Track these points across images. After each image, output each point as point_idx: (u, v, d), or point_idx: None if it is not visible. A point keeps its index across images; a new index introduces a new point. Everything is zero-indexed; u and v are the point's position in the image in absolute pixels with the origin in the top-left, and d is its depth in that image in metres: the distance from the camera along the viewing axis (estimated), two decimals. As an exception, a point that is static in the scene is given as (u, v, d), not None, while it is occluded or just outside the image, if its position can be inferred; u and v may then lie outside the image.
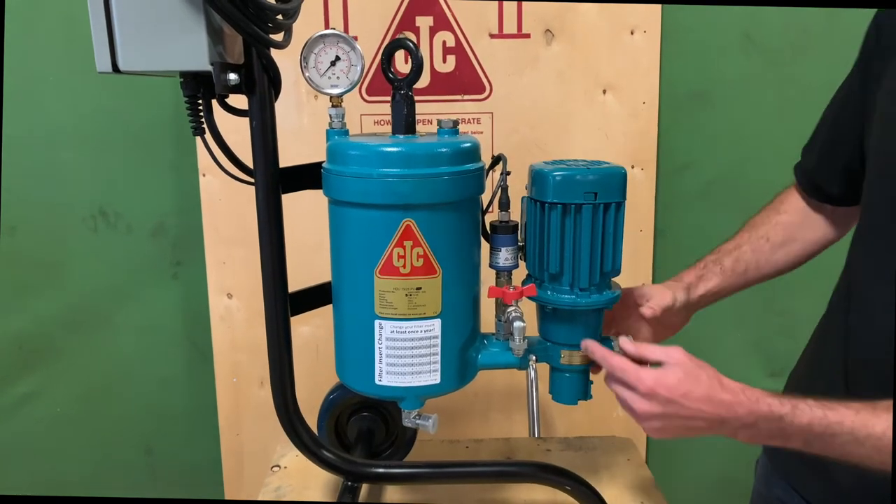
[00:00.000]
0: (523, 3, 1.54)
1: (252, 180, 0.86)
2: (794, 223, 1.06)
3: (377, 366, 0.88)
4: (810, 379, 1.01)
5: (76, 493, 1.84)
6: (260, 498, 1.13)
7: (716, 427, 0.80)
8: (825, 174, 1.02)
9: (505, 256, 0.93)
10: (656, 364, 0.84)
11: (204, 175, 1.59)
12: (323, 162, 0.88)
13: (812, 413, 0.76)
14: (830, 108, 1.02)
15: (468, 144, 0.86)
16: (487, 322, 0.97)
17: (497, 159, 0.94)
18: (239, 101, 0.84)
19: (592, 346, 0.90)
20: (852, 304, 0.91)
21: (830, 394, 0.80)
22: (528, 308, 0.94)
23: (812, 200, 1.05)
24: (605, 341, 0.94)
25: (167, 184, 1.68)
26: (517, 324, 0.89)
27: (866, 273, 0.89)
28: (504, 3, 1.54)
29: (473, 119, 1.59)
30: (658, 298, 0.99)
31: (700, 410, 0.79)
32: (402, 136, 0.87)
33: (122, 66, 0.75)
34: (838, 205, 1.02)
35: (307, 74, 0.85)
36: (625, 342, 0.89)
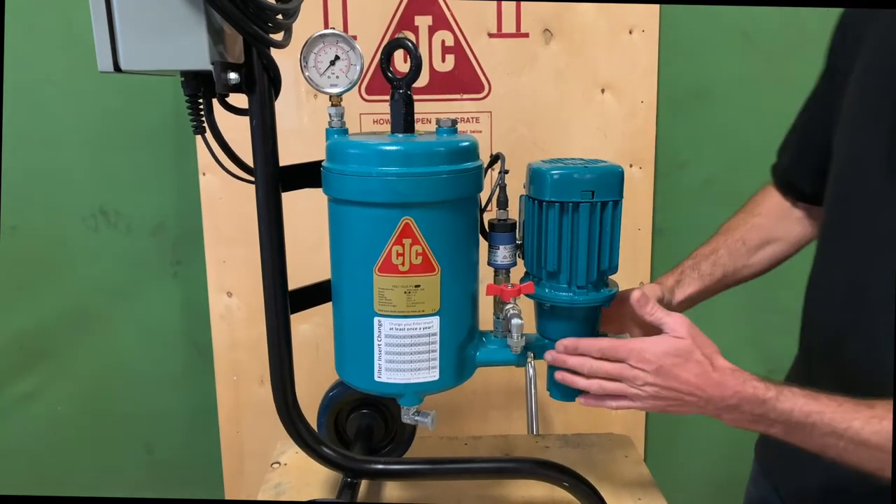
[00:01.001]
0: (522, 2, 1.54)
1: (252, 179, 0.87)
2: (769, 224, 1.07)
3: (376, 362, 0.88)
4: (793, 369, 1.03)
5: (76, 493, 1.84)
6: (260, 495, 1.14)
7: (702, 404, 0.81)
8: (798, 173, 1.04)
9: (503, 254, 0.93)
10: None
11: (204, 174, 1.60)
12: (322, 160, 0.89)
13: (795, 400, 0.76)
14: (804, 109, 1.04)
15: (467, 143, 0.87)
16: (486, 319, 0.98)
17: (495, 158, 0.95)
18: (239, 100, 0.85)
19: (571, 342, 0.90)
20: (808, 294, 0.95)
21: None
22: (527, 305, 0.94)
23: (788, 199, 1.07)
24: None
25: (167, 183, 1.68)
26: (515, 321, 0.90)
27: (822, 267, 0.91)
28: (503, 2, 1.55)
29: (472, 118, 1.60)
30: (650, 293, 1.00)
31: (688, 382, 0.81)
32: (401, 135, 0.88)
33: (123, 66, 0.75)
34: (812, 203, 1.03)
35: (307, 74, 0.86)
36: (638, 298, 0.89)
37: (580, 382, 0.89)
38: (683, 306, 1.06)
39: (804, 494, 0.94)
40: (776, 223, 1.07)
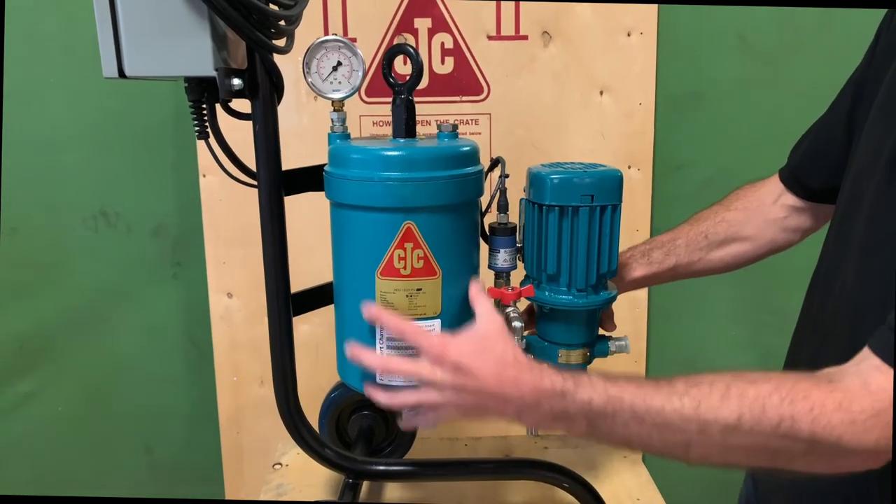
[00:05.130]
0: (520, 4, 1.55)
1: (255, 182, 0.88)
2: (740, 221, 1.04)
3: (378, 365, 0.89)
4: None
5: (76, 493, 1.85)
6: (261, 496, 1.14)
7: (501, 406, 0.72)
8: (809, 169, 1.02)
9: (503, 258, 0.94)
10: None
11: (204, 175, 1.60)
12: (324, 164, 0.90)
13: (593, 389, 0.69)
14: (830, 107, 1.01)
15: (467, 148, 0.88)
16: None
17: (496, 162, 0.95)
18: (242, 104, 0.86)
19: (376, 312, 0.83)
20: (807, 295, 0.94)
21: None
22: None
23: (792, 194, 1.03)
24: (602, 341, 0.95)
25: (167, 184, 1.69)
26: (515, 324, 0.91)
27: (830, 268, 0.91)
28: (501, 3, 1.55)
29: (471, 120, 1.61)
30: None
31: (485, 386, 0.72)
32: (402, 140, 0.89)
33: (128, 72, 0.76)
34: (818, 201, 1.01)
35: (309, 80, 0.86)
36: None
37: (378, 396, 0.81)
38: (628, 288, 1.04)
39: (775, 489, 0.94)
40: (748, 220, 1.03)
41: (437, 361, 0.74)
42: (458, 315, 0.91)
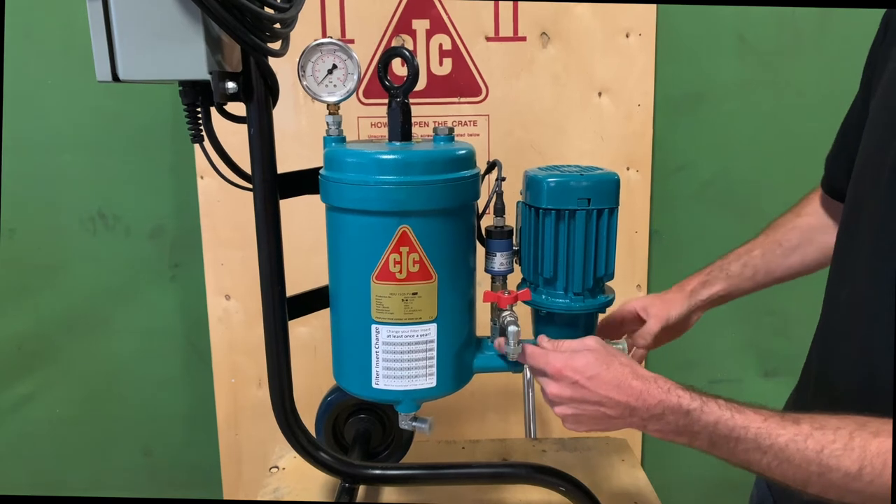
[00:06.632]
0: (519, 5, 1.55)
1: (250, 186, 0.87)
2: (811, 226, 1.05)
3: (374, 369, 0.89)
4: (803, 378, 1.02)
5: (75, 494, 1.85)
6: (258, 499, 1.14)
7: (626, 416, 0.78)
8: (835, 173, 1.01)
9: (500, 261, 0.94)
10: None
11: (202, 177, 1.60)
12: (320, 168, 0.89)
13: (720, 413, 0.74)
14: (848, 114, 1.01)
15: (463, 151, 0.87)
16: (483, 325, 0.98)
17: (492, 165, 0.95)
18: (237, 107, 0.85)
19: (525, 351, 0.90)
20: (826, 303, 0.92)
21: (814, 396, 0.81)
22: (524, 311, 0.95)
23: (831, 201, 1.04)
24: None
25: (165, 186, 1.69)
26: (511, 328, 0.90)
27: (837, 273, 0.90)
28: (499, 4, 1.55)
29: (470, 121, 1.61)
30: (654, 318, 1.02)
31: (608, 397, 0.78)
32: (398, 144, 0.88)
33: (121, 75, 0.76)
34: None
35: (304, 83, 0.86)
36: (542, 339, 0.90)
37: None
38: (709, 304, 1.06)
39: (791, 492, 0.94)
40: (819, 225, 1.05)
41: (556, 378, 0.81)
42: (454, 319, 0.90)
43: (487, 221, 0.95)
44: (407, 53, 0.87)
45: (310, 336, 1.63)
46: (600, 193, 0.88)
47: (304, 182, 0.90)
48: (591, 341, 0.84)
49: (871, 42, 0.93)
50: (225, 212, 1.61)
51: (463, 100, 1.59)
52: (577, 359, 0.81)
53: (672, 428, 0.76)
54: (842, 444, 0.66)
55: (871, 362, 0.78)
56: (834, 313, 0.89)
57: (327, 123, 0.90)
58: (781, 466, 0.70)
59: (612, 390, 0.78)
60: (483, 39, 1.56)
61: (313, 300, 0.96)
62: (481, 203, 0.94)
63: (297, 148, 1.52)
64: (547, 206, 0.88)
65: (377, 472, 1.02)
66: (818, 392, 0.90)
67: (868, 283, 0.80)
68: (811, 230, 1.05)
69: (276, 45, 0.81)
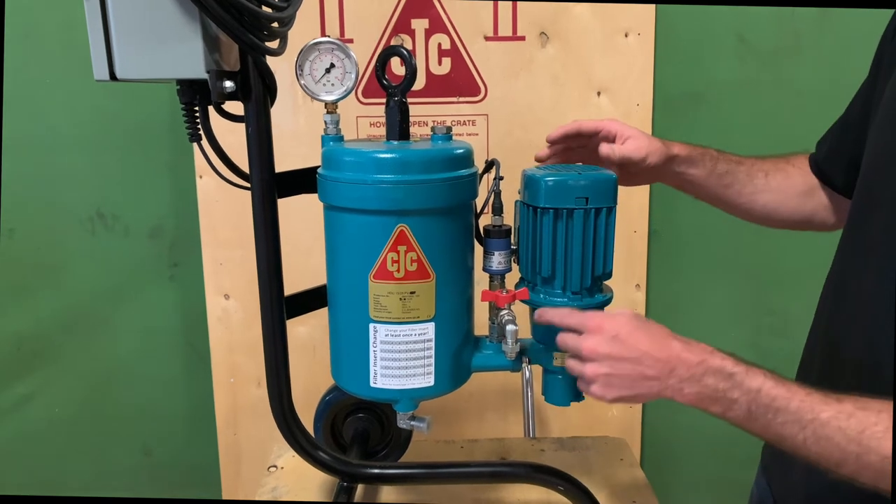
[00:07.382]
0: (518, 5, 1.54)
1: (248, 185, 0.87)
2: (796, 182, 1.04)
3: (372, 368, 0.89)
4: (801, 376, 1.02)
5: (75, 494, 1.85)
6: (257, 499, 1.14)
7: (664, 376, 0.75)
8: (832, 165, 1.01)
9: (498, 260, 0.94)
10: None
11: (201, 177, 1.60)
12: (318, 167, 0.89)
13: (764, 381, 0.72)
14: (850, 103, 1.01)
15: (461, 151, 0.87)
16: (481, 324, 0.98)
17: (490, 165, 0.95)
18: (235, 107, 0.85)
19: (543, 311, 0.89)
20: (831, 297, 0.91)
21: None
22: (523, 310, 0.95)
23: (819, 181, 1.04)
24: None
25: (164, 186, 1.69)
26: (509, 327, 0.90)
27: (845, 268, 0.90)
28: (498, 4, 1.55)
29: (468, 121, 1.60)
30: (631, 147, 0.96)
31: (648, 353, 0.76)
32: (396, 143, 0.88)
33: (119, 74, 0.76)
34: (841, 194, 1.01)
35: (302, 82, 0.86)
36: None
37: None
38: (677, 178, 1.03)
39: (791, 490, 0.94)
40: (802, 184, 1.04)
41: (595, 332, 0.79)
42: (452, 318, 0.90)
43: (486, 220, 0.95)
44: (405, 52, 0.87)
45: (308, 335, 1.63)
46: (598, 192, 0.88)
47: (303, 181, 0.91)
48: (625, 310, 0.82)
49: (871, 42, 0.93)
50: (224, 211, 1.61)
51: (462, 99, 1.59)
52: (616, 317, 0.80)
53: (710, 392, 0.73)
54: (884, 427, 0.65)
55: (878, 359, 0.77)
56: (842, 304, 0.88)
57: (325, 122, 0.90)
58: (819, 443, 0.68)
59: (652, 346, 0.76)
60: (482, 39, 1.56)
61: (312, 299, 0.96)
62: (480, 202, 0.94)
63: (295, 147, 1.51)
64: (545, 205, 0.88)
65: (375, 471, 1.02)
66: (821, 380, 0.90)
67: (877, 279, 0.79)
68: (793, 185, 1.05)
69: (274, 44, 0.81)
